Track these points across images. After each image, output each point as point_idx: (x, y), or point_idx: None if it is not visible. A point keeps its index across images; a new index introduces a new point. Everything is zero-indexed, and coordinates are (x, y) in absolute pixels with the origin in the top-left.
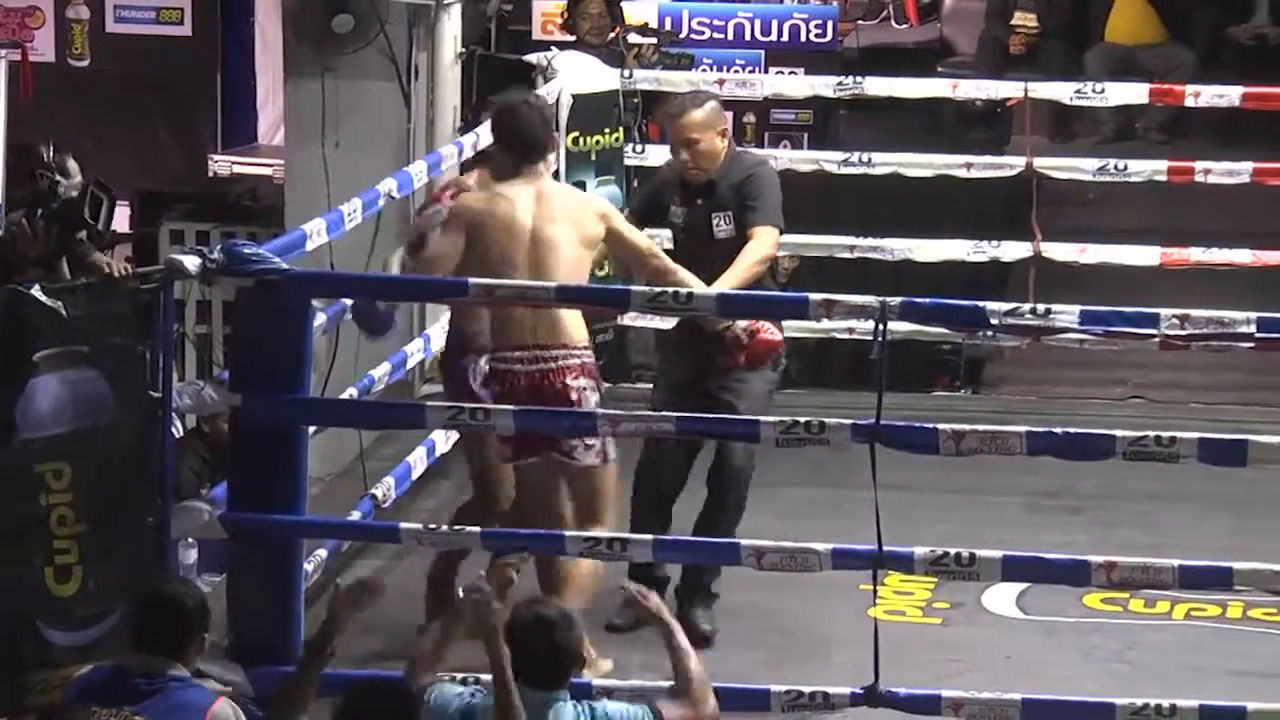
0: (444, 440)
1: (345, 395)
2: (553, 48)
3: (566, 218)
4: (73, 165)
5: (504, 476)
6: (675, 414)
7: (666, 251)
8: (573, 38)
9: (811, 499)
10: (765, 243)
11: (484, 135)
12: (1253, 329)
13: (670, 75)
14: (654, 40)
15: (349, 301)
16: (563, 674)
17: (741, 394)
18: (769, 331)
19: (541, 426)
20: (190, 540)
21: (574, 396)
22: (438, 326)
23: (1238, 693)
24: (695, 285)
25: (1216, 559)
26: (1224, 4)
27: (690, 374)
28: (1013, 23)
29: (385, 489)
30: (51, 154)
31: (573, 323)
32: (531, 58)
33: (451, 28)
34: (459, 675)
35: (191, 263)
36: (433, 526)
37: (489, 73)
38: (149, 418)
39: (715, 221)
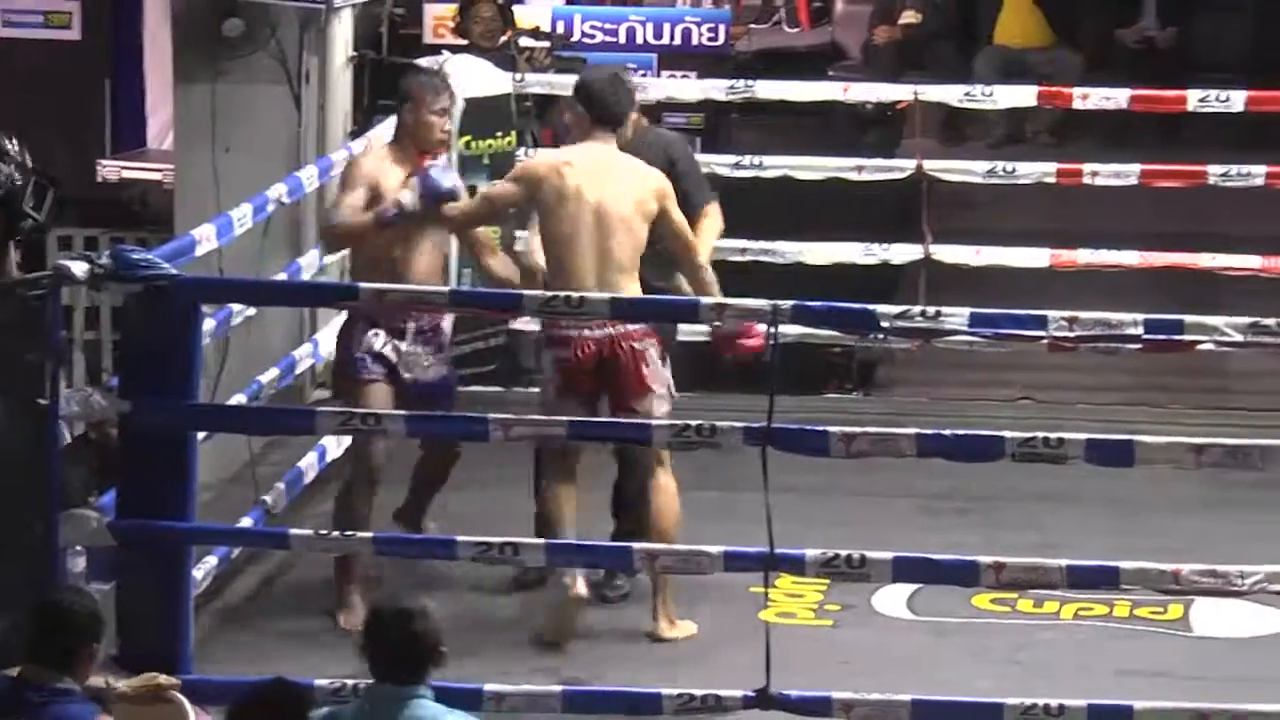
0: (335, 446)
1: (234, 401)
2: (445, 51)
3: (629, 194)
4: (28, 159)
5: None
6: (567, 418)
7: None
8: (465, 41)
9: (703, 502)
10: (718, 217)
11: (376, 139)
12: (1140, 330)
13: (563, 79)
14: (546, 44)
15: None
16: (421, 666)
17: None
18: (754, 336)
19: (435, 430)
20: (78, 548)
21: (646, 361)
22: (328, 330)
23: (1125, 691)
24: (715, 288)
25: (1104, 559)
26: (1111, 7)
27: None
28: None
29: (276, 495)
30: (14, 146)
31: (631, 286)
32: (423, 61)
33: (343, 32)
34: (350, 682)
35: (80, 268)
36: (324, 532)
37: (380, 77)
38: (37, 425)
39: None
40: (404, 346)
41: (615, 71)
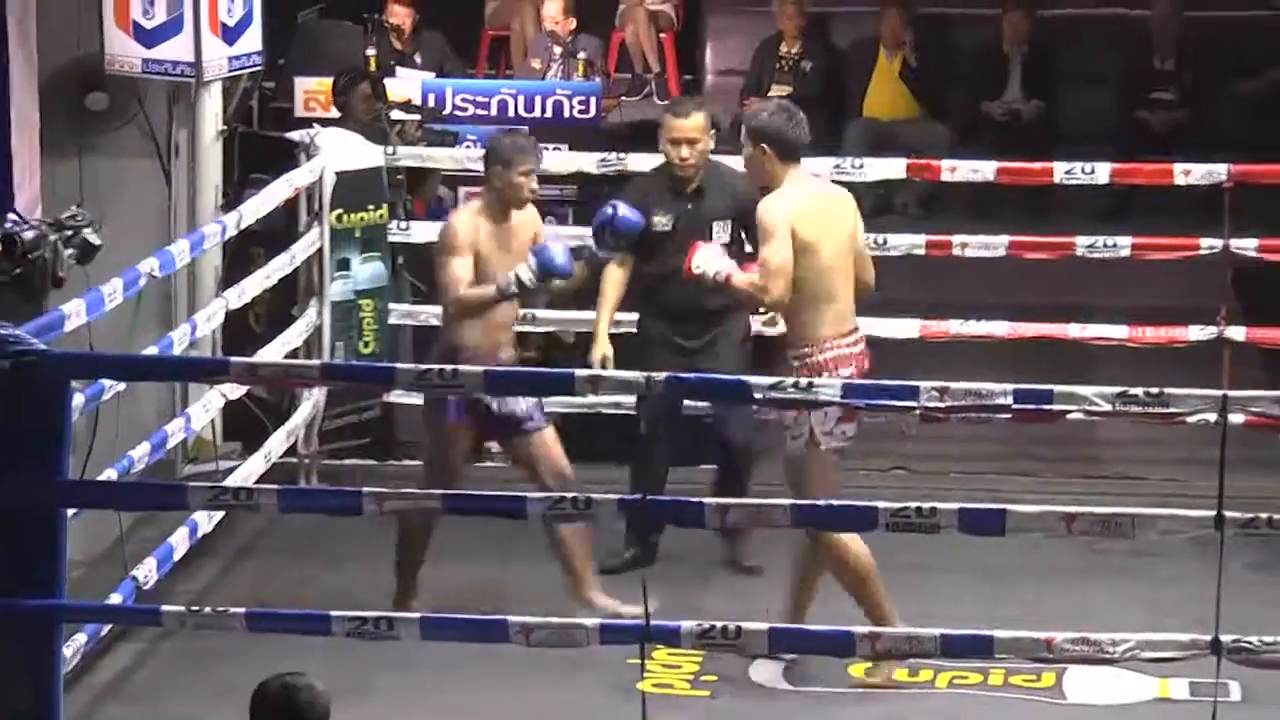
0: (206, 521)
1: (105, 476)
2: (315, 125)
3: (844, 219)
4: None
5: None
6: (441, 491)
7: (643, 254)
8: (335, 114)
9: None
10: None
11: (248, 213)
12: (1010, 400)
13: (434, 152)
14: (417, 117)
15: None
16: None
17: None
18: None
19: (308, 505)
20: None
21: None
22: (198, 406)
23: None
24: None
25: (978, 628)
26: (978, 80)
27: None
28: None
29: (146, 571)
30: None
31: None
32: (294, 135)
33: (212, 105)
34: None
35: None
36: (195, 608)
37: (251, 150)
38: None
39: (715, 230)
40: None
41: (781, 104)
